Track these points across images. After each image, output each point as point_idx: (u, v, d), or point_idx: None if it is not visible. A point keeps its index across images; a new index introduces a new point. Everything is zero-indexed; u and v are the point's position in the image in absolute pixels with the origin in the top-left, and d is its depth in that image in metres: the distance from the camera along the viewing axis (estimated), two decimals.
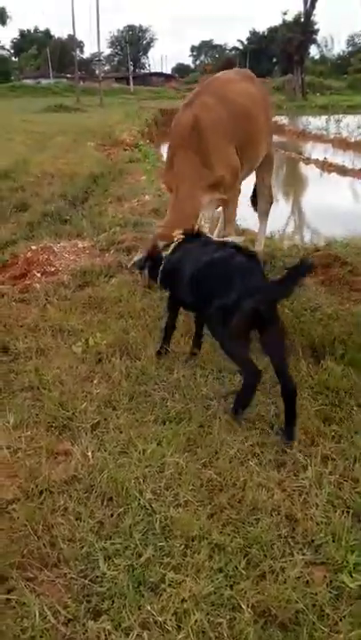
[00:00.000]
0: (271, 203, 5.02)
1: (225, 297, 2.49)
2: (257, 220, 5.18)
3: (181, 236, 3.03)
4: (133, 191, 7.48)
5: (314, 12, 39.66)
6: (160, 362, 3.11)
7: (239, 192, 4.26)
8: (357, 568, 1.79)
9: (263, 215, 5.02)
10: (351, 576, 1.76)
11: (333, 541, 1.89)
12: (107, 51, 72.25)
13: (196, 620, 1.61)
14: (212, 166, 3.86)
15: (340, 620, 1.64)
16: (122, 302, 3.91)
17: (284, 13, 44.36)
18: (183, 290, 2.90)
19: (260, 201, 5.01)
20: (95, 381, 2.94)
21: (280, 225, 6.96)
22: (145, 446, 2.38)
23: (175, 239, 3.04)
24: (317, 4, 38.69)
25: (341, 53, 67.59)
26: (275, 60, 51.84)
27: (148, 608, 1.66)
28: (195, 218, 3.78)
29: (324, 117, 22.32)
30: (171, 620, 1.62)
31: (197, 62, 76.90)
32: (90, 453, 2.35)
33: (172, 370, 3.04)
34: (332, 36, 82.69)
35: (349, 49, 65.80)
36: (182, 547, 1.88)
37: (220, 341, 2.67)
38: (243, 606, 1.66)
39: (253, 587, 1.74)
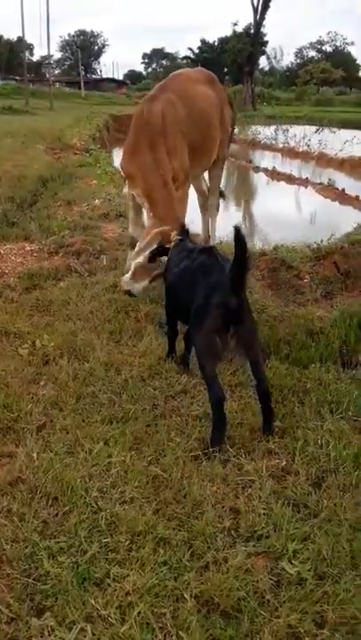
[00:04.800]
0: (223, 198, 5.37)
1: (195, 299, 2.48)
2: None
3: (178, 238, 3.07)
4: (84, 195, 7.44)
5: (264, 24, 40.64)
6: (108, 363, 3.12)
7: (188, 193, 4.35)
8: (297, 555, 1.85)
9: (214, 209, 5.29)
10: (291, 563, 1.82)
11: (275, 531, 1.95)
12: (57, 54, 71.63)
13: (139, 612, 1.63)
14: (171, 159, 3.95)
15: (281, 605, 1.69)
16: (70, 305, 3.90)
17: (235, 24, 45.29)
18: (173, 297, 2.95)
19: (212, 195, 5.26)
20: (42, 383, 2.92)
21: (229, 231, 7.07)
22: (91, 446, 2.39)
23: (172, 241, 3.10)
24: (267, 16, 39.62)
25: (290, 65, 69.36)
26: (225, 69, 52.69)
27: (93, 603, 1.67)
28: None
29: (272, 127, 22.82)
30: (115, 613, 1.64)
31: (149, 69, 77.29)
32: (35, 454, 2.33)
33: (120, 371, 3.06)
34: (282, 47, 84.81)
35: (298, 61, 67.62)
36: (127, 542, 1.90)
37: (195, 350, 2.62)
38: (186, 596, 1.69)
39: (197, 577, 1.77)
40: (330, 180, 12.44)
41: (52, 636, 1.58)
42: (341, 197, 11.23)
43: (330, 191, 11.79)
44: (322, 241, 4.82)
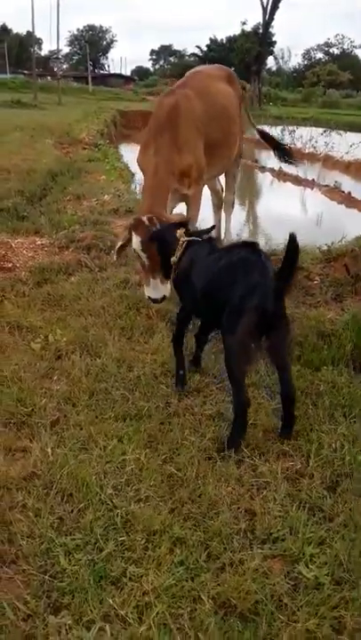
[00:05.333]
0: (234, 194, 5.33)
1: (231, 299, 2.32)
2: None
3: (186, 239, 2.83)
4: (93, 190, 7.41)
5: (272, 24, 40.55)
6: (120, 360, 3.11)
7: (201, 192, 4.32)
8: (313, 559, 1.84)
9: (229, 205, 5.30)
10: (308, 567, 1.81)
11: (291, 535, 1.94)
12: (65, 49, 71.51)
13: (157, 613, 1.62)
14: (182, 153, 3.91)
15: (298, 609, 1.68)
16: (81, 300, 3.89)
17: (244, 23, 45.21)
18: (195, 298, 2.71)
19: (227, 192, 5.28)
20: (55, 378, 2.92)
21: (237, 230, 7.04)
22: (105, 443, 2.38)
23: (180, 242, 2.84)
24: (276, 17, 39.51)
25: (297, 66, 69.25)
26: (233, 68, 52.59)
27: (110, 602, 1.66)
28: (166, 200, 3.79)
29: (279, 128, 22.77)
30: (132, 612, 1.63)
31: (157, 66, 77.18)
32: (49, 450, 2.32)
33: (132, 368, 3.05)
34: (290, 48, 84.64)
35: (305, 63, 67.53)
36: (143, 541, 1.89)
37: (225, 349, 2.42)
38: (203, 598, 1.69)
39: (214, 579, 1.76)
40: (336, 182, 12.40)
41: (70, 634, 1.57)
42: (348, 200, 11.18)
43: (336, 194, 11.74)
44: (333, 243, 4.79)
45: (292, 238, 2.19)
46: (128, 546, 1.87)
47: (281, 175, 14.01)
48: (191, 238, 2.81)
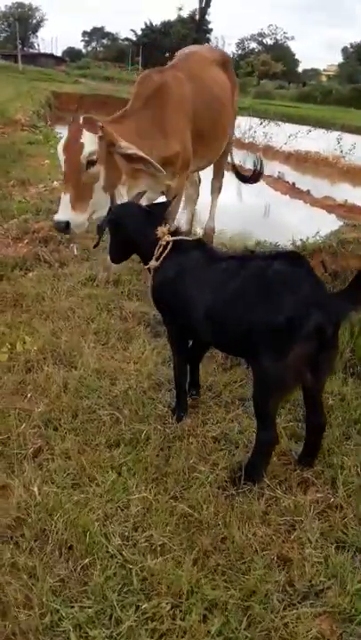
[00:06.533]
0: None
1: (272, 321, 1.87)
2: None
3: (171, 239, 2.27)
4: (38, 175, 6.85)
5: (208, 11, 40.31)
6: (100, 371, 2.74)
7: (184, 185, 3.98)
8: None
9: (215, 191, 5.10)
10: None
11: (336, 586, 1.68)
12: None
13: None
14: (168, 138, 3.50)
15: None
16: (45, 300, 3.45)
17: (180, 9, 44.63)
18: (187, 316, 2.21)
19: (215, 179, 5.05)
20: (28, 395, 2.51)
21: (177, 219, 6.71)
22: (101, 477, 2.02)
23: (162, 241, 2.28)
24: (212, 4, 39.27)
25: (232, 55, 69.35)
26: (167, 54, 51.93)
27: None
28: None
29: None
30: None
31: (89, 48, 74.89)
32: (35, 489, 1.94)
33: (115, 381, 2.69)
34: (223, 37, 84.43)
35: (239, 52, 67.65)
36: (170, 607, 1.57)
37: (260, 380, 2.00)
38: None
39: None
40: (280, 172, 12.35)
41: None
42: (292, 191, 11.14)
43: (280, 184, 11.69)
44: (308, 238, 4.59)
45: None
46: (152, 614, 1.55)
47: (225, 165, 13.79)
48: (178, 238, 2.29)
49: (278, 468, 2.17)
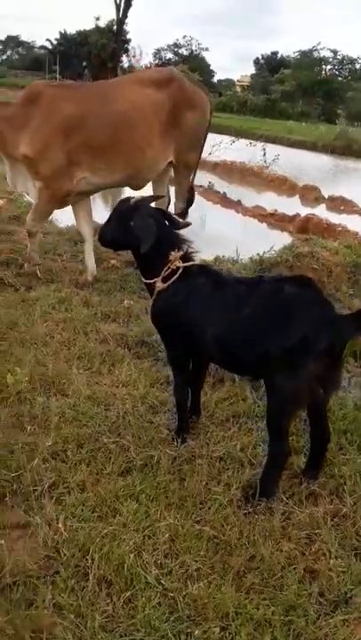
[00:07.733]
0: (191, 203, 5.07)
1: (287, 342, 2.00)
2: None
3: (182, 265, 2.32)
4: None
5: (126, 22, 40.46)
6: (92, 397, 2.75)
7: (50, 198, 4.15)
8: None
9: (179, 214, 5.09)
10: None
11: None
12: None
13: None
14: (33, 154, 3.94)
15: None
16: (19, 326, 3.40)
17: (97, 18, 44.38)
18: (193, 340, 2.31)
19: (177, 200, 5.03)
20: (28, 428, 2.47)
21: None
22: (123, 506, 2.05)
23: (172, 265, 2.32)
24: (129, 15, 39.50)
25: (149, 65, 69.76)
26: (84, 63, 51.54)
27: None
28: None
29: None
30: None
31: (4, 57, 72.95)
32: (60, 524, 1.94)
33: (109, 406, 2.71)
34: (140, 47, 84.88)
35: (156, 62, 68.22)
36: (218, 630, 1.63)
37: (276, 398, 2.11)
38: None
39: None
40: (210, 183, 12.59)
41: None
42: (223, 201, 11.41)
43: (212, 194, 11.94)
44: (264, 252, 4.78)
45: None
46: (205, 639, 1.60)
47: None
48: (190, 264, 2.35)
49: (284, 482, 2.28)
